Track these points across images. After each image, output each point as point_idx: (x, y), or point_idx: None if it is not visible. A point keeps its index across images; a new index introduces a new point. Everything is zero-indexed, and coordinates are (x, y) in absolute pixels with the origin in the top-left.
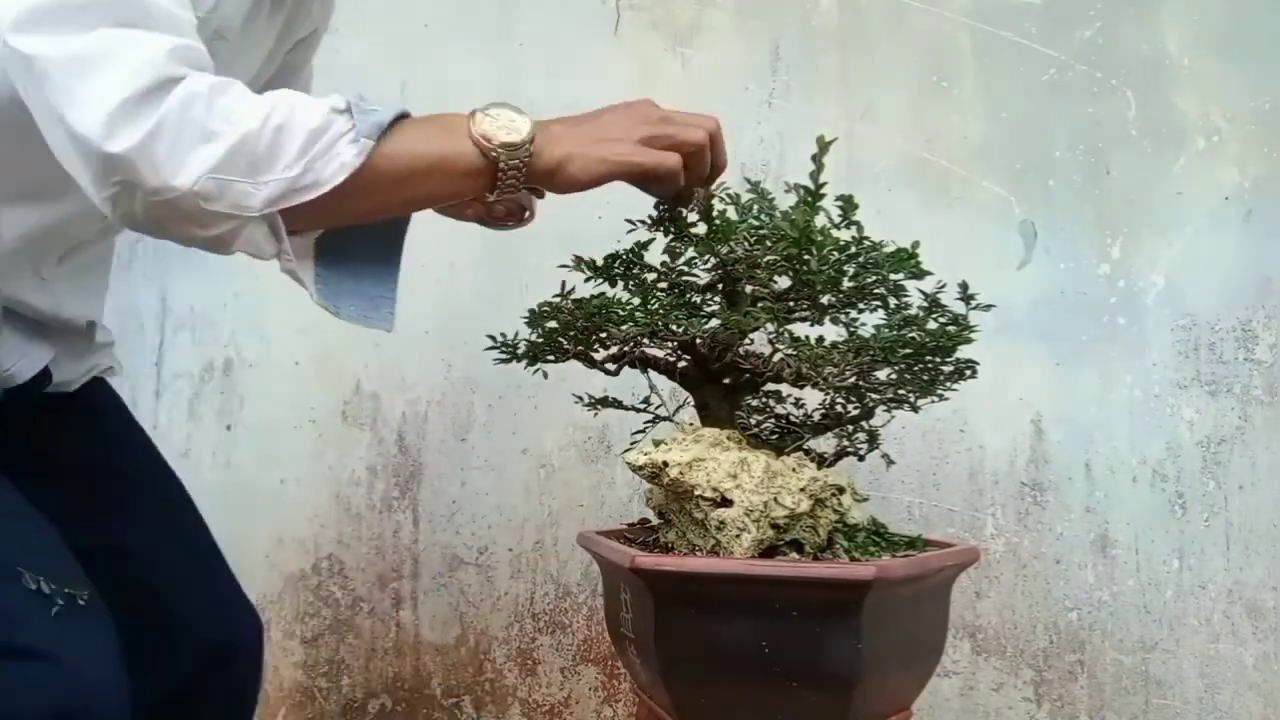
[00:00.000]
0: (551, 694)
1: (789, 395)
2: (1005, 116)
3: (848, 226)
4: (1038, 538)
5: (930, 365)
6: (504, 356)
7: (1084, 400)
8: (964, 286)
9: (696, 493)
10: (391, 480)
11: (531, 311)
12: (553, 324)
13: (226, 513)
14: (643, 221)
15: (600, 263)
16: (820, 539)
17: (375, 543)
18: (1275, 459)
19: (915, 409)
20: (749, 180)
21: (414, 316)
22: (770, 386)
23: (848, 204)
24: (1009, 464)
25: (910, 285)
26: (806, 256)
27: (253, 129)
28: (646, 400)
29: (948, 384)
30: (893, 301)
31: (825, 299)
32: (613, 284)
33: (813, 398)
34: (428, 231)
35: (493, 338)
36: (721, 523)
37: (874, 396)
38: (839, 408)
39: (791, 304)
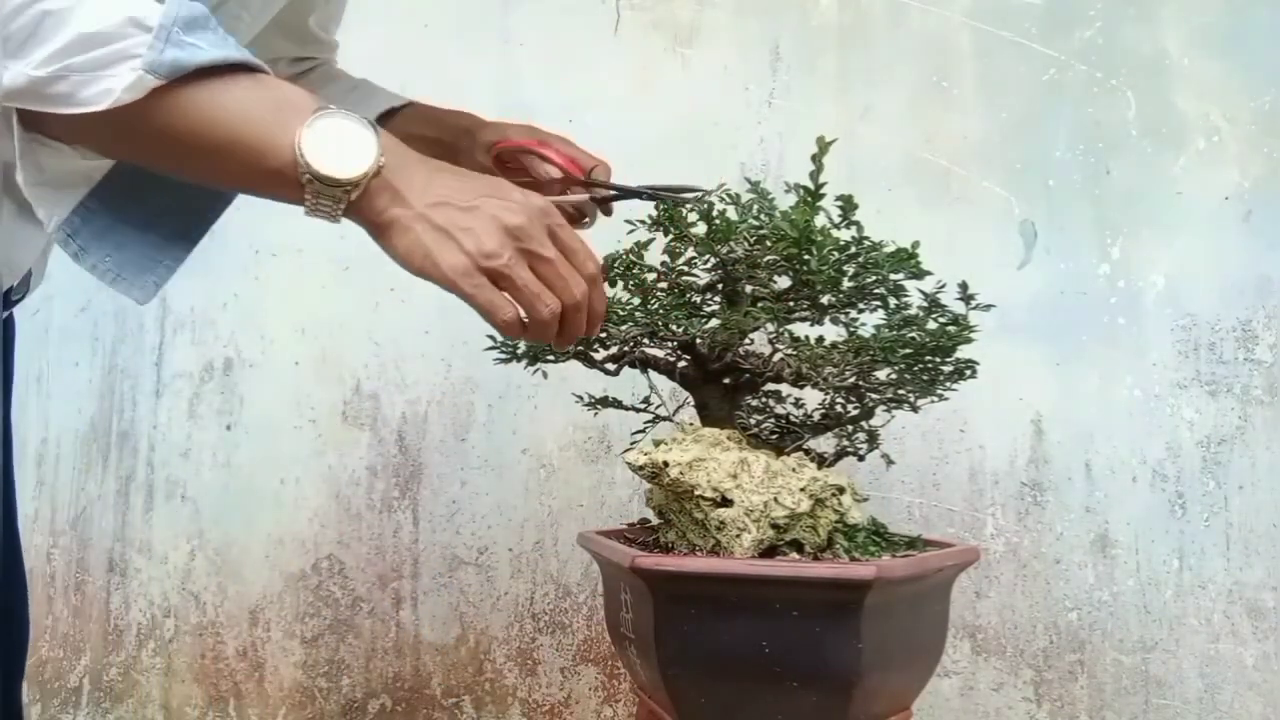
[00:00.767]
0: (551, 694)
1: (789, 395)
2: (1005, 116)
3: (848, 226)
4: (1038, 538)
5: (930, 365)
6: (504, 356)
7: (1084, 400)
8: (964, 286)
9: (696, 493)
10: (391, 480)
11: None
12: None
13: (226, 513)
14: (642, 221)
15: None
16: (820, 539)
17: (375, 543)
18: (1275, 459)
19: (915, 409)
20: (749, 180)
21: (414, 316)
22: (770, 386)
23: (848, 204)
24: (1009, 464)
25: (910, 285)
26: (806, 256)
27: (16, 2)
28: (646, 400)
29: (948, 384)
30: (893, 301)
31: (825, 299)
32: (613, 284)
33: (813, 398)
34: None
35: (493, 338)
36: (721, 523)
37: (874, 396)
38: (839, 408)
39: (791, 304)
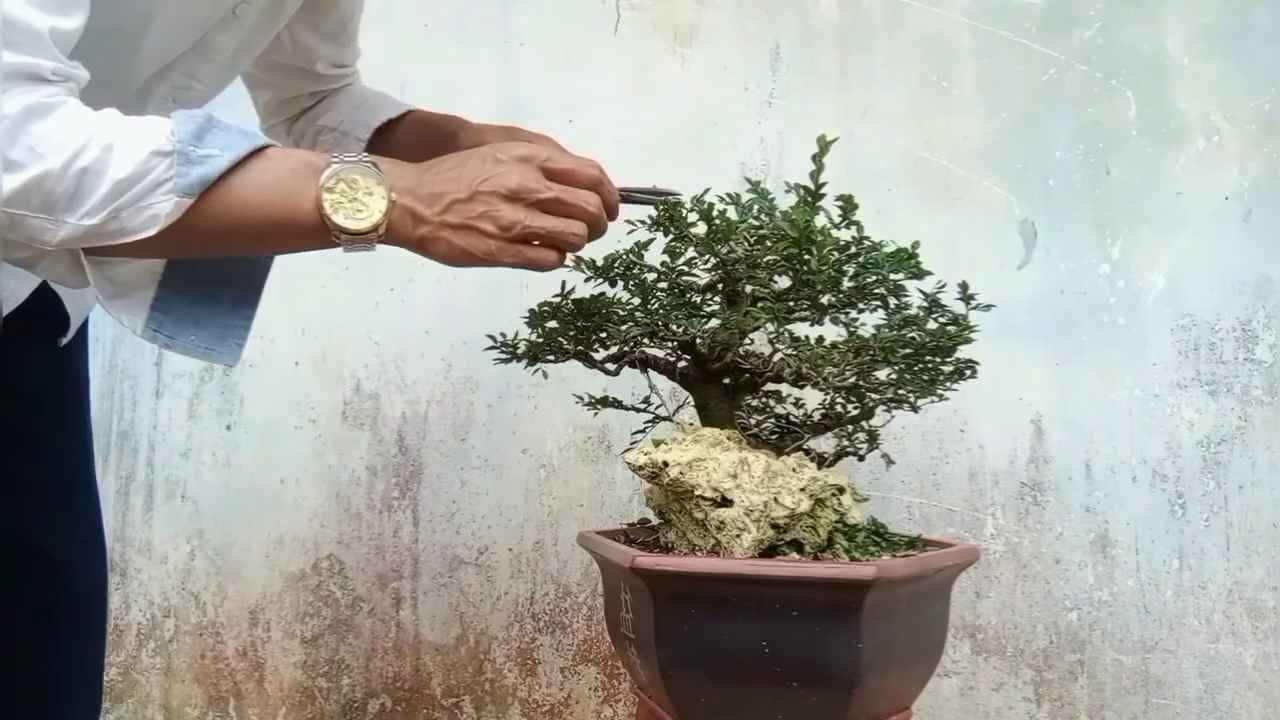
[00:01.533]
0: (551, 694)
1: (789, 395)
2: (1005, 116)
3: (848, 226)
4: (1038, 538)
5: (930, 365)
6: (504, 356)
7: (1084, 400)
8: (964, 286)
9: (697, 493)
10: (391, 480)
11: (531, 311)
12: (553, 324)
13: (226, 513)
14: (642, 221)
15: (600, 263)
16: (820, 539)
17: (375, 543)
18: (1275, 459)
19: (915, 409)
20: (749, 180)
21: (414, 316)
22: (770, 386)
23: (848, 204)
24: (1009, 464)
25: (910, 285)
26: (806, 256)
27: (53, 169)
28: (646, 400)
29: (948, 384)
30: (893, 301)
31: (825, 299)
32: (613, 284)
33: (813, 398)
34: None
35: (493, 338)
36: (721, 523)
37: (874, 396)
38: (839, 408)
39: (791, 304)
